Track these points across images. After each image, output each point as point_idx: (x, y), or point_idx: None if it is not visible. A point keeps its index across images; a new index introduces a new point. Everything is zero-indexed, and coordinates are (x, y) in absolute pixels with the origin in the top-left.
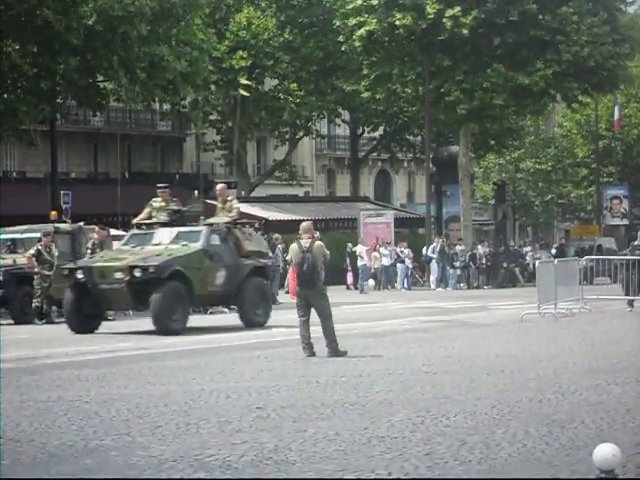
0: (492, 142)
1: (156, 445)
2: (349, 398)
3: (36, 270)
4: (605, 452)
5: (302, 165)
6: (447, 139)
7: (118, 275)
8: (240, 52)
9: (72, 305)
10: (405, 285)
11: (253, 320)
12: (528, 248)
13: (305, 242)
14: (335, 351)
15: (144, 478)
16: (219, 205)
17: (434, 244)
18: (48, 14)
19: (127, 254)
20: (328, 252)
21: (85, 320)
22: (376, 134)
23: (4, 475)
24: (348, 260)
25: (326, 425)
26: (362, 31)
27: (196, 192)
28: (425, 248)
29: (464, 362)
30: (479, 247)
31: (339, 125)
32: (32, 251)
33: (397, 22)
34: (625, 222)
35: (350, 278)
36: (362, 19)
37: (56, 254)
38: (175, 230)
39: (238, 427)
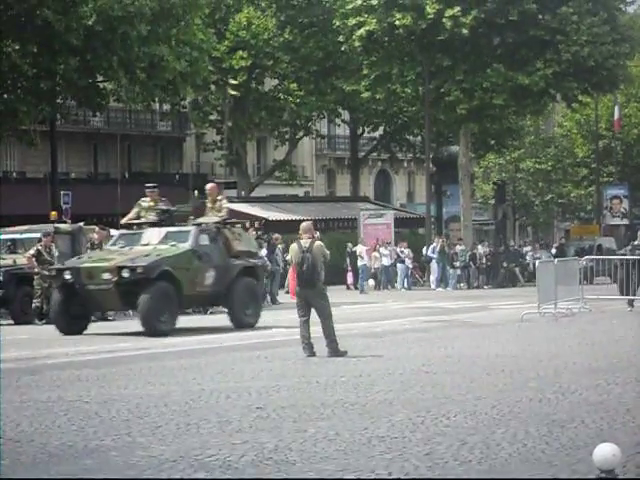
0: (492, 142)
1: (156, 445)
2: (349, 398)
3: (36, 270)
4: (605, 452)
5: (302, 165)
6: (447, 139)
7: (106, 276)
8: (240, 52)
9: (60, 306)
10: (405, 285)
11: (243, 321)
12: (528, 248)
13: (305, 242)
14: (335, 351)
15: (144, 478)
16: (209, 205)
17: (434, 244)
18: (48, 14)
19: (115, 254)
20: (328, 252)
21: (73, 321)
22: (376, 134)
23: (4, 475)
24: (348, 260)
25: (326, 425)
26: (362, 31)
27: (196, 192)
28: (425, 248)
29: (464, 362)
30: (479, 247)
31: (339, 125)
32: (32, 251)
33: (397, 22)
34: (625, 222)
35: (350, 278)
36: (362, 19)
37: (56, 254)
38: (164, 230)
39: (238, 427)
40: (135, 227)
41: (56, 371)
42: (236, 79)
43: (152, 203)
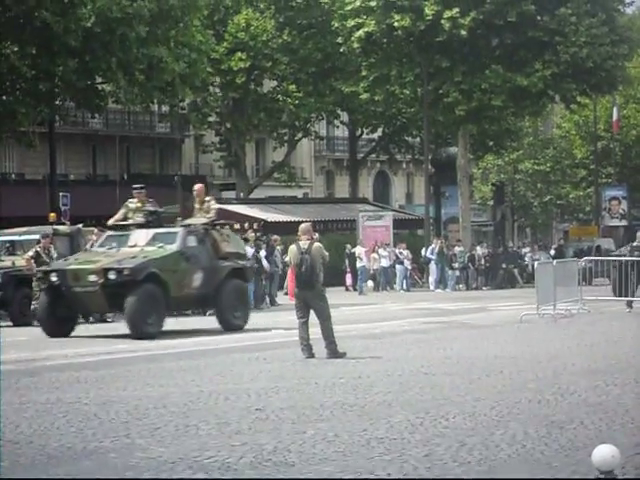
0: (491, 143)
1: (155, 447)
2: (348, 399)
3: (35, 272)
4: (604, 453)
5: (301, 166)
6: (446, 140)
7: (92, 278)
8: (239, 53)
9: (46, 308)
10: (404, 286)
11: (231, 323)
12: (527, 249)
13: (304, 243)
14: (334, 352)
15: (143, 479)
16: (197, 206)
17: (433, 245)
18: (47, 16)
19: (102, 256)
20: (327, 253)
21: (59, 323)
22: (375, 135)
23: (3, 476)
24: (347, 261)
25: (325, 426)
26: (361, 32)
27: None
28: (424, 249)
29: (463, 363)
30: (478, 248)
31: (338, 126)
32: (31, 253)
33: (395, 23)
34: (624, 223)
35: (349, 279)
36: (360, 20)
37: (55, 256)
38: (151, 232)
39: (237, 429)
40: (122, 228)
41: (55, 373)
42: (235, 80)
43: (139, 204)
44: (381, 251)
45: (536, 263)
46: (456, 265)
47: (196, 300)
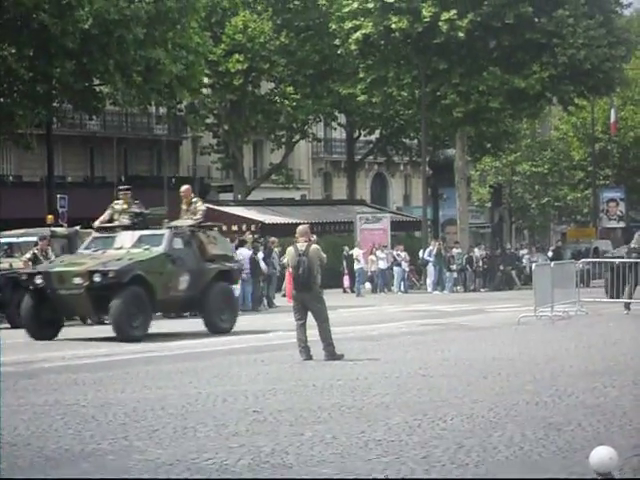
0: (488, 145)
1: (153, 449)
2: (346, 401)
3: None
4: (602, 455)
5: (298, 168)
6: (443, 142)
7: (77, 280)
8: (236, 55)
9: (31, 311)
10: (402, 288)
11: (218, 326)
12: (525, 251)
13: (301, 245)
14: (332, 354)
15: None
16: (183, 207)
17: (430, 247)
18: (44, 18)
19: (87, 258)
20: (325, 255)
21: (44, 326)
22: (372, 137)
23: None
24: (345, 263)
25: (323, 429)
26: (358, 34)
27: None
28: (422, 251)
29: (461, 365)
30: (476, 250)
31: (335, 128)
32: (28, 255)
33: (393, 25)
34: (621, 225)
35: (347, 281)
36: (358, 22)
37: (52, 258)
38: (137, 233)
39: (235, 431)
40: (109, 230)
41: (53, 375)
42: (232, 82)
43: (125, 206)
44: (379, 253)
45: (534, 265)
46: (454, 267)
47: (182, 303)
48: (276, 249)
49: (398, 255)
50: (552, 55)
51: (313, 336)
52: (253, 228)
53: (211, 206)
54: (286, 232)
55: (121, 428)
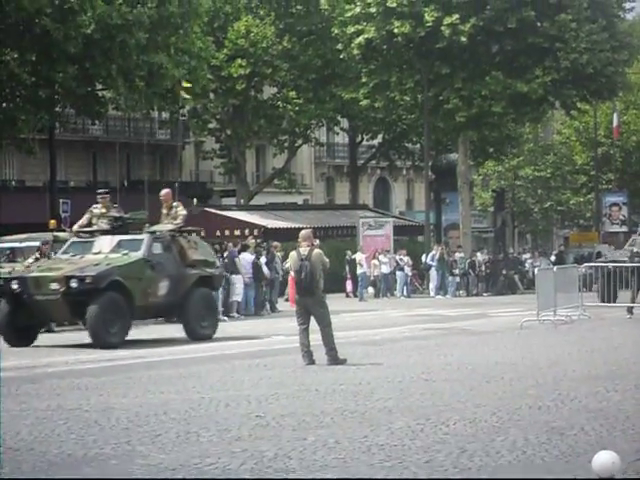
0: (491, 149)
1: (156, 454)
2: (349, 406)
3: None
4: (604, 459)
5: (301, 173)
6: (446, 147)
7: (54, 286)
8: (239, 60)
9: (7, 317)
10: (404, 293)
11: (198, 333)
12: (527, 255)
13: (304, 250)
14: (334, 359)
15: None
16: (164, 212)
17: (433, 252)
18: (47, 23)
19: (64, 263)
20: (327, 260)
21: (21, 333)
22: (375, 142)
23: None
24: (347, 268)
25: (326, 433)
26: (361, 39)
27: (195, 200)
28: (424, 256)
29: (463, 369)
30: (478, 254)
31: (338, 133)
32: (31, 260)
33: (395, 30)
34: (624, 229)
35: (349, 286)
36: (361, 27)
37: None
38: (116, 238)
39: (238, 435)
40: (87, 234)
41: (56, 380)
42: (235, 87)
43: (104, 210)
44: (381, 257)
45: (536, 269)
46: (456, 271)
47: (162, 309)
48: (279, 254)
49: (401, 260)
50: (555, 59)
51: (316, 341)
52: (256, 233)
53: (214, 211)
54: (289, 237)
55: (124, 433)
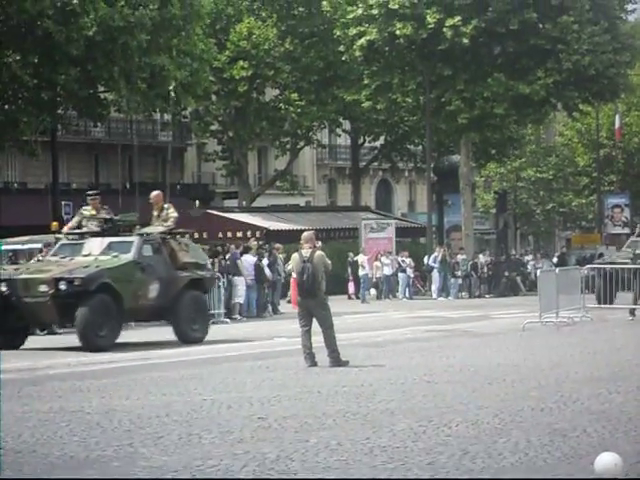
0: (493, 151)
1: (158, 456)
2: (351, 408)
3: None
4: (607, 461)
5: (303, 175)
6: (448, 148)
7: (43, 288)
8: (241, 62)
9: None
10: (407, 294)
11: (189, 336)
12: (529, 257)
13: (306, 252)
14: (337, 361)
15: None
16: (154, 214)
17: (435, 253)
18: (49, 25)
19: (54, 265)
20: (329, 262)
21: (10, 335)
22: (377, 144)
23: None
24: (349, 270)
25: (328, 435)
26: (363, 41)
27: (197, 202)
28: (426, 257)
29: (466, 371)
30: (480, 256)
31: (340, 135)
32: (33, 262)
33: (397, 32)
34: (626, 230)
35: (351, 288)
36: (362, 29)
37: None
38: (106, 240)
39: (240, 437)
40: (78, 236)
41: (57, 382)
42: (237, 89)
43: (94, 212)
44: (384, 259)
45: (539, 271)
46: (459, 273)
47: (152, 312)
48: (281, 255)
49: (403, 261)
50: (557, 61)
51: (318, 342)
52: (258, 235)
53: (216, 212)
54: (291, 238)
55: (126, 435)
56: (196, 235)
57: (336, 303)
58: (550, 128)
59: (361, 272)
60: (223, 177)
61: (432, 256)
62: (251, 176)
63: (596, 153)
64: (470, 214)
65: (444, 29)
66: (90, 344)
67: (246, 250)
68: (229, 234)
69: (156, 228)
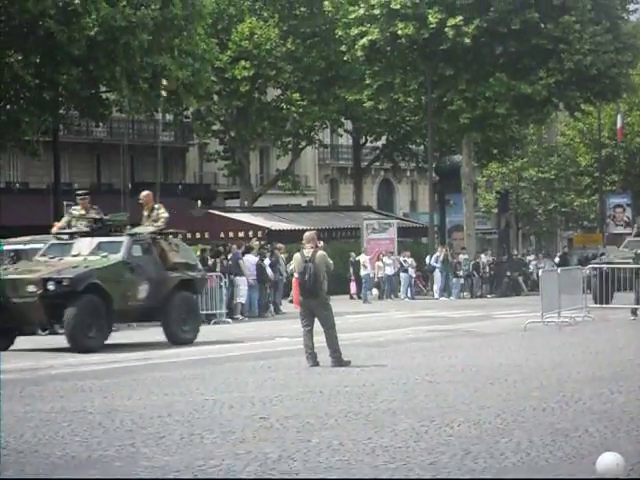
0: (495, 151)
1: (160, 456)
2: (353, 408)
3: None
4: (609, 461)
5: (305, 175)
6: (450, 148)
7: (31, 288)
8: (242, 62)
9: None
10: (408, 294)
11: (179, 337)
12: (531, 257)
13: (308, 252)
14: (338, 361)
15: None
16: (144, 214)
17: (437, 253)
18: (50, 25)
19: (42, 266)
20: (331, 262)
21: None
22: (379, 143)
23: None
24: (351, 269)
25: (330, 435)
26: (364, 41)
27: (199, 202)
28: (428, 257)
29: (468, 371)
30: (482, 256)
31: (342, 135)
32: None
33: (399, 32)
34: (628, 230)
35: (353, 287)
36: (364, 29)
37: None
38: (96, 240)
39: (242, 437)
40: (67, 236)
41: (59, 382)
42: (239, 89)
43: (83, 211)
44: (385, 259)
45: (540, 271)
46: (460, 273)
47: (142, 312)
48: (283, 255)
49: (405, 261)
50: (558, 61)
51: (320, 342)
52: (260, 235)
53: (217, 212)
54: (293, 238)
55: (128, 435)
56: (198, 235)
57: (338, 303)
58: (552, 128)
59: (363, 272)
60: (225, 177)
61: (434, 256)
62: (253, 176)
63: (598, 153)
64: (472, 214)
65: (446, 29)
66: (79, 345)
67: (248, 250)
68: (231, 234)
69: (146, 228)
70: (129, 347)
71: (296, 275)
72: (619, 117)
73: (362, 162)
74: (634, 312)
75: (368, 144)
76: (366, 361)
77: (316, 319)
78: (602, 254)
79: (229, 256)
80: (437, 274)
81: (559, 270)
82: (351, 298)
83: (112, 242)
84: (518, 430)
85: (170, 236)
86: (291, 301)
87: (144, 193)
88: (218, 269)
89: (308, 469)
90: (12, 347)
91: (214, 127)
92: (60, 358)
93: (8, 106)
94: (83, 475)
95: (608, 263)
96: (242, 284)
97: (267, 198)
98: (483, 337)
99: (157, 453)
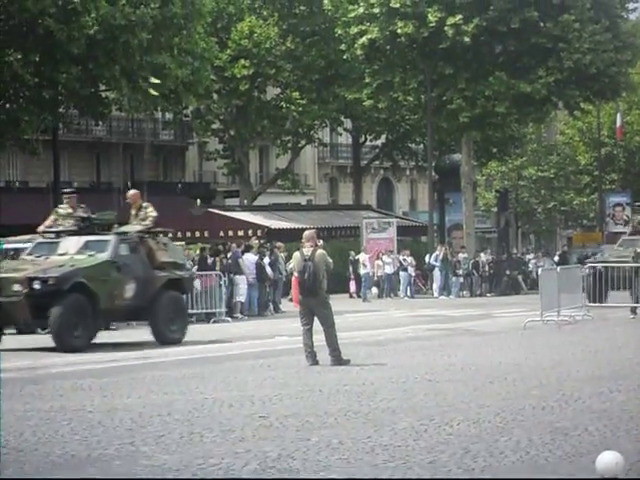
0: (494, 150)
1: (159, 454)
2: (352, 406)
3: None
4: (608, 460)
5: (304, 173)
6: (449, 147)
7: (16, 287)
8: (242, 61)
9: None
10: (408, 293)
11: (167, 337)
12: (531, 255)
13: (307, 250)
14: (338, 359)
15: None
16: (132, 212)
17: (437, 252)
18: (50, 23)
19: (28, 265)
20: (331, 260)
21: None
22: (378, 142)
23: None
24: (351, 268)
25: (329, 434)
26: (364, 39)
27: (198, 201)
28: (428, 256)
29: (467, 370)
30: (482, 255)
31: (341, 133)
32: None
33: (399, 30)
34: (628, 229)
35: (353, 286)
36: (364, 27)
37: None
38: (83, 239)
39: (241, 436)
40: (54, 235)
41: (59, 380)
42: (238, 87)
43: (70, 210)
44: (385, 258)
45: (540, 270)
46: (460, 272)
47: (129, 311)
48: (282, 254)
49: (404, 260)
50: (558, 60)
51: (319, 341)
52: (259, 233)
53: (217, 211)
54: (292, 237)
55: (127, 433)
56: (197, 234)
57: (337, 302)
58: (551, 127)
59: (362, 271)
60: (224, 176)
61: (433, 255)
62: (252, 175)
63: (597, 152)
64: (471, 213)
65: (445, 28)
66: (64, 344)
67: (247, 249)
68: (230, 233)
69: (134, 227)
70: (128, 346)
71: (296, 274)
72: (618, 116)
73: (362, 161)
74: (633, 311)
75: (368, 143)
76: (365, 360)
77: (316, 318)
78: (594, 253)
79: (229, 255)
80: (436, 273)
81: (558, 269)
82: (351, 297)
83: (99, 241)
84: (517, 429)
85: (161, 235)
86: (291, 300)
87: (131, 192)
88: (218, 268)
89: (307, 468)
90: (17, 346)
91: (214, 126)
92: (60, 357)
93: (7, 105)
94: (83, 474)
95: (602, 262)
96: (242, 283)
97: (267, 197)
98: (482, 336)
99: (157, 452)
